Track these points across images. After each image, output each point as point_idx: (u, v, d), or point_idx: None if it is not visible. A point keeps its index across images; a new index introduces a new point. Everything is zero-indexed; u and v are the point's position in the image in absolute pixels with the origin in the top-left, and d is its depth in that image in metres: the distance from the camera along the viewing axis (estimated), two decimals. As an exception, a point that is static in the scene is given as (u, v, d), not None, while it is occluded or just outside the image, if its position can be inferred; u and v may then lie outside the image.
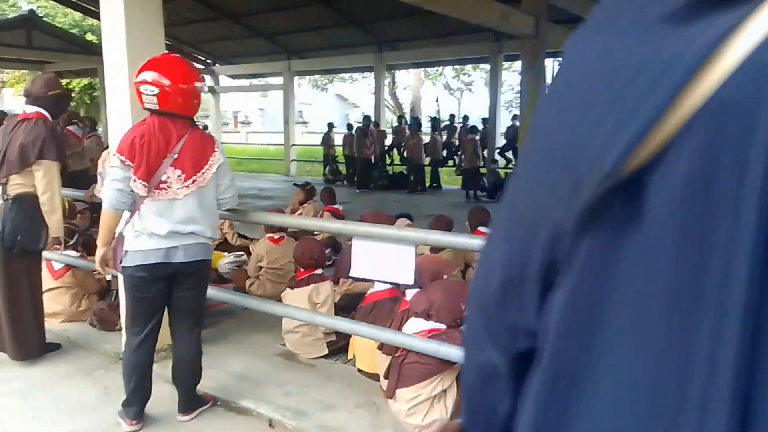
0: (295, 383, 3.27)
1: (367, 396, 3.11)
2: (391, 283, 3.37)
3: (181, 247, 2.68)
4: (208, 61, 17.77)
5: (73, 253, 4.25)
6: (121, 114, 3.32)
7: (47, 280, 4.14)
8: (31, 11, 15.36)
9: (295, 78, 17.45)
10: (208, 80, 18.30)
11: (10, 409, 2.97)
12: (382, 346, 2.98)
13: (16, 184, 3.37)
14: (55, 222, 3.39)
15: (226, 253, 5.62)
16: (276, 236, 4.92)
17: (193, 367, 2.93)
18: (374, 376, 3.24)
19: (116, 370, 3.40)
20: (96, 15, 15.40)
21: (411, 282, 2.81)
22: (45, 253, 4.02)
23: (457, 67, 27.88)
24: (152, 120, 2.65)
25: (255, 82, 20.35)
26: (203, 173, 2.69)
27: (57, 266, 4.19)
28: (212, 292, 3.66)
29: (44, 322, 3.68)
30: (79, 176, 6.65)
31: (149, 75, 2.57)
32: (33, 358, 3.56)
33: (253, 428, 2.84)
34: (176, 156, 2.62)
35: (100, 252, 2.77)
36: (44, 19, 16.69)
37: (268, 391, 3.17)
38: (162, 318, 2.85)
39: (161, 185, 2.61)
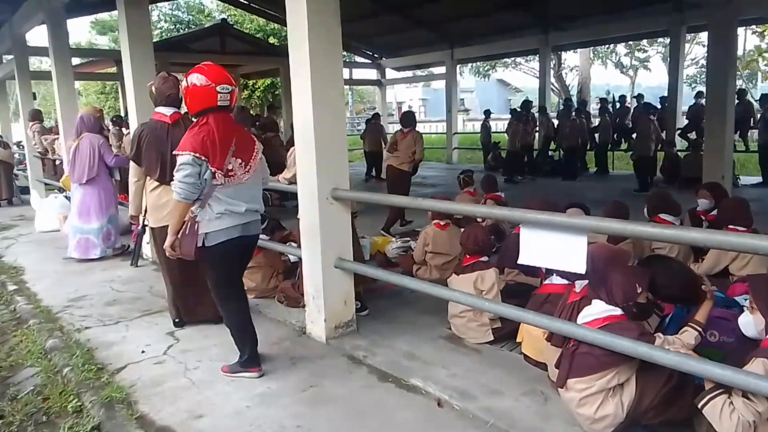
0: (461, 366, 3.34)
1: (533, 384, 3.08)
2: (567, 278, 3.27)
3: (252, 222, 3.25)
4: (375, 55, 18.48)
5: (263, 236, 4.73)
6: (304, 107, 3.62)
7: (243, 260, 4.68)
8: (224, 20, 17.23)
9: (457, 66, 17.45)
10: (374, 74, 19.07)
11: (214, 371, 3.42)
12: (551, 337, 2.93)
13: None
14: None
15: (393, 239, 5.88)
16: (442, 222, 5.04)
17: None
18: (540, 365, 3.20)
19: (301, 343, 3.79)
20: (277, 19, 16.85)
21: (582, 271, 2.71)
22: None
23: (630, 43, 25.84)
24: (212, 119, 3.07)
25: (418, 72, 20.71)
26: (254, 159, 3.22)
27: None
28: (381, 274, 3.88)
29: None
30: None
31: (224, 77, 3.09)
32: None
33: (422, 405, 2.96)
34: (234, 148, 3.11)
35: (171, 239, 3.13)
36: (234, 26, 18.57)
37: (436, 371, 3.28)
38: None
39: (230, 173, 3.08)
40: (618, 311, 2.60)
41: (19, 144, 12.90)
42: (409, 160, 7.23)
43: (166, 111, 4.00)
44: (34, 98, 11.62)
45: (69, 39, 8.80)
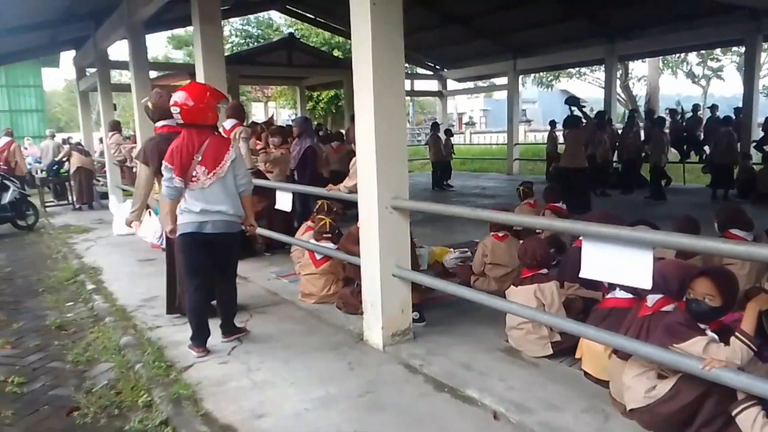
0: (519, 379, 3.30)
1: (593, 401, 3.01)
2: (632, 291, 3.20)
3: (210, 221, 3.70)
4: (437, 66, 18.55)
5: (330, 245, 4.84)
6: (365, 118, 3.71)
7: (309, 267, 4.81)
8: (291, 34, 17.77)
9: (520, 77, 17.27)
10: (435, 85, 19.13)
11: (276, 373, 3.53)
12: (617, 350, 2.86)
13: None
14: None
15: (451, 249, 5.87)
16: (500, 233, 5.00)
17: (229, 302, 4.03)
18: (601, 382, 3.12)
19: (359, 349, 3.85)
20: (342, 33, 17.22)
21: (648, 287, 2.65)
22: (309, 245, 4.82)
23: (703, 52, 24.79)
24: (184, 133, 3.71)
25: (480, 83, 20.62)
26: (221, 167, 3.69)
27: (318, 256, 4.83)
28: (439, 283, 3.89)
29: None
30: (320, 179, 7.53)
31: (176, 98, 3.63)
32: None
33: (478, 417, 2.95)
34: (200, 157, 3.66)
35: (168, 228, 3.86)
36: (300, 40, 19.10)
37: (492, 383, 3.26)
38: (207, 274, 3.85)
39: (193, 178, 3.67)
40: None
41: (102, 153, 13.70)
42: (577, 156, 8.67)
43: (173, 123, 4.23)
44: (115, 109, 12.33)
45: (147, 53, 9.31)
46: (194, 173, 3.67)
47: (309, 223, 5.65)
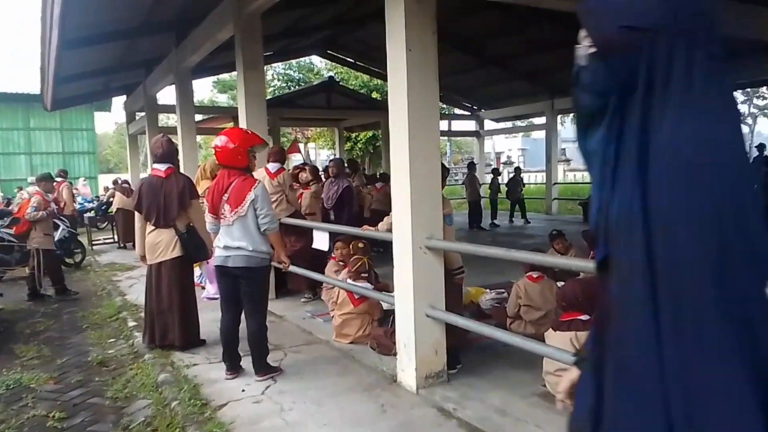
0: (555, 425, 3.20)
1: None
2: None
3: (232, 256, 3.97)
4: (474, 107, 18.71)
5: (368, 285, 4.86)
6: (400, 158, 3.76)
7: (347, 306, 4.83)
8: (331, 77, 18.28)
9: (558, 116, 17.24)
10: (473, 125, 19.25)
11: (308, 414, 3.52)
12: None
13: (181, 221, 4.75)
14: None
15: (487, 290, 5.80)
16: (534, 275, 4.92)
17: (254, 340, 4.08)
18: None
19: (391, 391, 3.81)
20: (380, 76, 17.60)
21: None
22: (348, 285, 4.76)
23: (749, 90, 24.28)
24: (219, 173, 4.10)
25: (518, 123, 20.66)
26: (242, 206, 3.92)
27: (357, 296, 4.85)
28: (473, 325, 3.84)
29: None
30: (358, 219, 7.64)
31: (216, 141, 4.04)
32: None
33: (512, 464, 2.87)
34: (227, 196, 3.96)
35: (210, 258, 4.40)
36: (340, 83, 19.61)
37: (528, 430, 3.18)
38: (239, 304, 4.07)
39: (221, 215, 4.00)
40: None
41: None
42: None
43: (161, 167, 4.76)
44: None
45: (194, 98, 9.70)
46: (222, 211, 4.00)
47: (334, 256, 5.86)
